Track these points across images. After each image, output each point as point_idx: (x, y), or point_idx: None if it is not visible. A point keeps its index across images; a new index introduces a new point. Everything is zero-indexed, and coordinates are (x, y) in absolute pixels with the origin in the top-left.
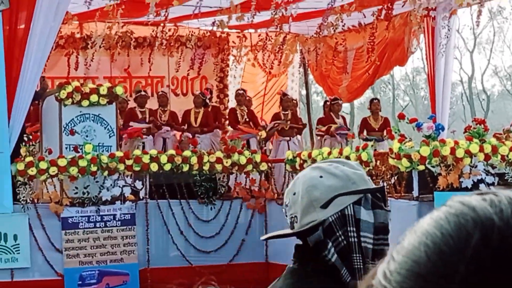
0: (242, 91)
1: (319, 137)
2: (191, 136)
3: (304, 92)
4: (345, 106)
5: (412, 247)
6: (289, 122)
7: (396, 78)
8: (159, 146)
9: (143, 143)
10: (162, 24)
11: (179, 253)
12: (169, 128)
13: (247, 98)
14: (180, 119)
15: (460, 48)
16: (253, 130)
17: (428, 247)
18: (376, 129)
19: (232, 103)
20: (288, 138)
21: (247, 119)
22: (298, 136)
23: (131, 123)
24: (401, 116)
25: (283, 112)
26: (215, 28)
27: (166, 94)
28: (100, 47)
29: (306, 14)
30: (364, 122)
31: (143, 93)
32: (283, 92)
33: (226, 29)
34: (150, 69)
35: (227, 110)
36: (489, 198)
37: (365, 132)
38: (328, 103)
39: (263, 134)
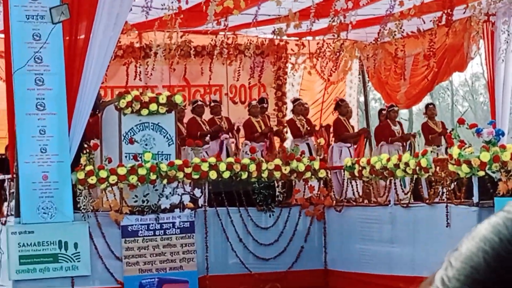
0: (299, 101)
1: (377, 144)
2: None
3: (362, 99)
4: (403, 113)
5: (470, 253)
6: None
7: (455, 84)
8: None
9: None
10: (222, 33)
11: (238, 261)
12: (227, 136)
13: (305, 106)
14: (236, 129)
15: None
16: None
17: (486, 253)
18: (439, 133)
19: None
20: (349, 145)
21: (308, 128)
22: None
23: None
24: (461, 121)
25: (342, 117)
26: (274, 36)
27: (218, 103)
28: (160, 56)
29: (364, 21)
30: (426, 127)
31: (200, 102)
32: (340, 99)
33: (284, 37)
34: (210, 78)
35: (285, 118)
36: None
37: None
38: (383, 111)
39: (322, 141)
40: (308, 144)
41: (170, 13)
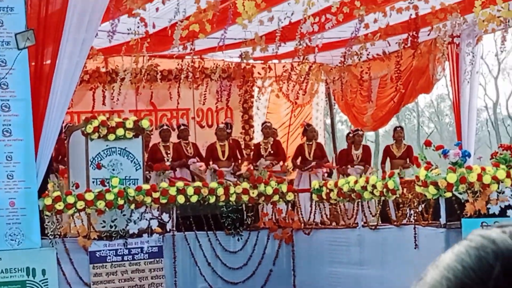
0: (269, 124)
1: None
2: (217, 168)
3: (328, 121)
4: (370, 135)
5: (434, 281)
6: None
7: (420, 105)
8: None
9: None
10: (189, 57)
11: (207, 285)
12: (195, 160)
13: (273, 130)
14: (202, 153)
15: (484, 74)
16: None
17: (449, 280)
18: (397, 157)
19: (257, 134)
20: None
21: (271, 151)
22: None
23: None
24: (428, 143)
25: (307, 142)
26: (240, 60)
27: (187, 127)
28: (127, 81)
29: (330, 44)
30: (387, 150)
31: (165, 127)
32: (307, 123)
33: (251, 61)
34: (178, 102)
35: (253, 141)
36: (509, 231)
37: (387, 162)
38: (350, 135)
39: (290, 164)
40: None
41: (136, 38)
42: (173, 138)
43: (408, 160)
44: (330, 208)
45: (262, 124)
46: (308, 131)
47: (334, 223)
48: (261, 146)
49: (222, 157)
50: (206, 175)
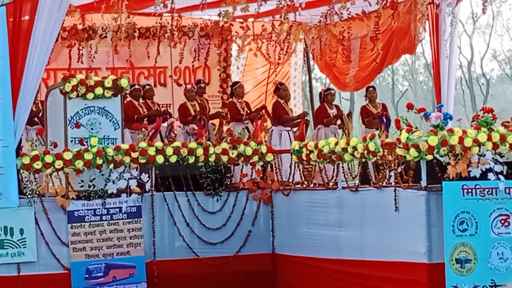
0: (240, 83)
1: (315, 128)
2: (196, 128)
3: (305, 79)
4: (345, 94)
5: None
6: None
7: (395, 64)
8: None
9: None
10: (167, 15)
11: (185, 245)
12: (174, 119)
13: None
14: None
15: (459, 33)
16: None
17: None
18: (375, 115)
19: None
20: (288, 128)
21: (247, 111)
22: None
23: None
24: (410, 106)
25: (281, 101)
26: (219, 18)
27: (152, 86)
28: (108, 39)
29: (309, 3)
30: (364, 110)
31: (137, 86)
32: (279, 82)
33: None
34: (156, 61)
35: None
36: None
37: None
38: (321, 94)
39: (268, 124)
40: (247, 128)
41: None
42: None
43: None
44: (302, 169)
45: (234, 84)
46: (281, 90)
47: (312, 184)
48: (237, 105)
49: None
50: (177, 134)
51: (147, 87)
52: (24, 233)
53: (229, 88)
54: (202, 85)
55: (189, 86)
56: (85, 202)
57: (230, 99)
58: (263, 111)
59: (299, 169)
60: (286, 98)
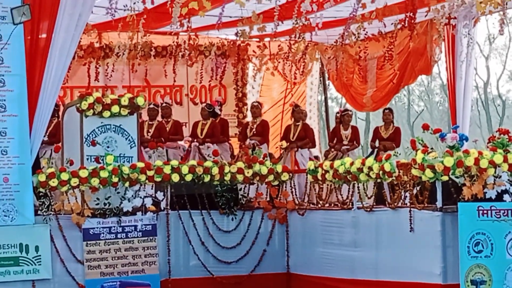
0: (257, 103)
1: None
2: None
3: (320, 98)
4: (361, 113)
5: None
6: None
7: (411, 84)
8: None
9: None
10: (186, 34)
11: (200, 264)
12: (189, 138)
13: (260, 109)
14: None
15: (475, 54)
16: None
17: None
18: (385, 138)
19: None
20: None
21: (255, 132)
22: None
23: None
24: (425, 127)
25: (295, 123)
26: (235, 38)
27: (170, 105)
28: (123, 57)
29: (325, 23)
30: (375, 132)
31: (151, 106)
32: (295, 104)
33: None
34: (174, 80)
35: (246, 119)
36: None
37: (377, 142)
38: (338, 114)
39: (284, 144)
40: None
41: (133, 14)
42: None
43: (394, 143)
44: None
45: (252, 103)
46: (295, 112)
47: (327, 204)
48: (248, 126)
49: (200, 134)
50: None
51: (163, 104)
52: (39, 251)
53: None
54: (219, 108)
55: (203, 105)
56: (101, 220)
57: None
58: None
59: (314, 189)
60: (301, 119)
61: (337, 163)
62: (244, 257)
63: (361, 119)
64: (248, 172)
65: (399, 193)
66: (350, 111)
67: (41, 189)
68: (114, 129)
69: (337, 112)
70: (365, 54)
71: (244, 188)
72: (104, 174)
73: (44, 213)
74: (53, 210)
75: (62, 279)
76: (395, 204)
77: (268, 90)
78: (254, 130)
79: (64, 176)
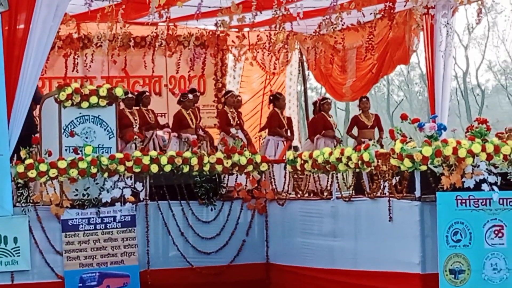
0: (232, 92)
1: (310, 137)
2: (191, 138)
3: (299, 88)
4: (341, 103)
5: None
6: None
7: (390, 74)
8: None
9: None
10: (162, 24)
11: (179, 254)
12: (169, 130)
13: (238, 99)
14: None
15: (454, 43)
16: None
17: None
18: (369, 126)
19: None
20: (283, 138)
21: (238, 121)
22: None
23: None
24: (404, 117)
25: (281, 112)
26: (215, 28)
27: (149, 94)
28: (104, 48)
29: (305, 12)
30: (355, 120)
31: (130, 95)
32: (278, 92)
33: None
34: (153, 71)
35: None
36: None
37: (355, 130)
38: (317, 104)
39: (263, 134)
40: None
41: (111, 4)
42: None
43: (378, 128)
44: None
45: (226, 93)
46: (280, 100)
47: (306, 194)
48: (228, 114)
49: (191, 124)
50: (170, 144)
51: (146, 93)
52: (18, 242)
53: (228, 99)
54: (198, 93)
55: (190, 96)
56: (79, 211)
57: (222, 108)
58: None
59: (293, 179)
60: (283, 108)
61: (316, 153)
62: (223, 248)
63: (341, 109)
64: (227, 163)
65: (378, 183)
66: (329, 99)
67: (19, 180)
68: (92, 120)
69: (315, 102)
70: (342, 44)
71: (223, 178)
72: (82, 165)
73: (23, 204)
74: (31, 201)
75: (41, 270)
76: (374, 194)
77: (248, 81)
78: (236, 119)
79: (43, 167)
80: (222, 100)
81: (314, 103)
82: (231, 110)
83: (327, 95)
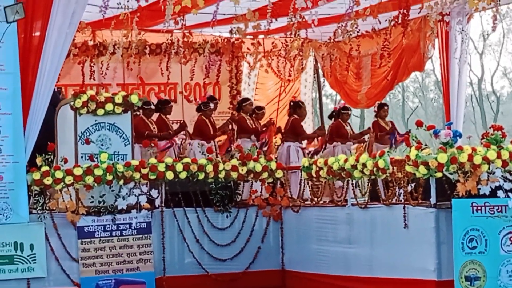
0: (250, 101)
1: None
2: (207, 144)
3: (314, 95)
4: (355, 111)
5: None
6: None
7: (405, 81)
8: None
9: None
10: (177, 32)
11: (195, 261)
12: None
13: (254, 110)
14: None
15: (469, 50)
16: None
17: None
18: (387, 131)
19: None
20: (303, 145)
21: (254, 127)
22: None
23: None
24: (419, 124)
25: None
26: (230, 35)
27: (171, 105)
28: (118, 55)
29: (319, 19)
30: (377, 125)
31: (152, 107)
32: (300, 100)
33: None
34: (168, 78)
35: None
36: None
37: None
38: (334, 112)
39: (278, 140)
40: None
41: (126, 12)
42: None
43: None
44: (311, 186)
45: (246, 100)
46: (302, 109)
47: (322, 201)
48: (247, 121)
49: (211, 132)
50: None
51: (170, 104)
52: (34, 249)
53: (237, 104)
54: (217, 101)
55: (211, 105)
56: (95, 218)
57: (239, 114)
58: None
59: (309, 186)
60: (304, 117)
61: (331, 160)
62: (238, 254)
63: (356, 116)
64: (242, 170)
65: (393, 190)
66: (350, 110)
67: (35, 187)
68: (108, 127)
69: (333, 111)
70: (357, 51)
71: (238, 186)
72: (98, 172)
73: (39, 212)
74: (47, 208)
75: (57, 277)
76: (389, 200)
77: (263, 88)
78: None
79: (59, 174)
80: (236, 106)
81: (334, 110)
82: (248, 117)
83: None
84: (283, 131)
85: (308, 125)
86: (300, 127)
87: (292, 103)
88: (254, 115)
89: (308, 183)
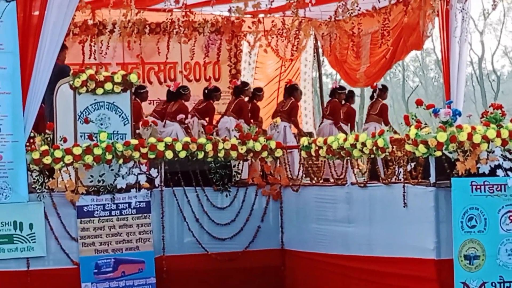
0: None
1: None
2: (205, 124)
3: (314, 74)
4: (356, 90)
5: None
6: None
7: (405, 60)
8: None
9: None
10: (177, 11)
11: (194, 240)
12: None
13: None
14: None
15: (470, 29)
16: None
17: None
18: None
19: None
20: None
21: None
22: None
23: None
24: (419, 102)
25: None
26: (229, 14)
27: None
28: (116, 34)
29: None
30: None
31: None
32: (296, 84)
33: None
34: (166, 57)
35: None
36: None
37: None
38: (336, 93)
39: (278, 120)
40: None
41: None
42: None
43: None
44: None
45: (260, 89)
46: (299, 91)
47: (321, 180)
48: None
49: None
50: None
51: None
52: (34, 228)
53: (237, 88)
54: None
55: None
56: (95, 197)
57: (241, 99)
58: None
59: (308, 165)
60: (299, 100)
61: (330, 138)
62: (238, 234)
63: (357, 95)
64: (241, 149)
65: (392, 169)
66: (346, 90)
67: (34, 167)
68: (107, 106)
69: (333, 90)
70: (359, 30)
71: (237, 165)
72: (97, 151)
73: (38, 191)
74: (47, 187)
75: (56, 257)
76: (389, 179)
77: (263, 67)
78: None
79: (58, 154)
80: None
81: (332, 92)
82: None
83: (342, 82)
84: (280, 110)
85: (308, 104)
86: (297, 112)
87: (288, 86)
88: (254, 98)
89: (307, 163)
